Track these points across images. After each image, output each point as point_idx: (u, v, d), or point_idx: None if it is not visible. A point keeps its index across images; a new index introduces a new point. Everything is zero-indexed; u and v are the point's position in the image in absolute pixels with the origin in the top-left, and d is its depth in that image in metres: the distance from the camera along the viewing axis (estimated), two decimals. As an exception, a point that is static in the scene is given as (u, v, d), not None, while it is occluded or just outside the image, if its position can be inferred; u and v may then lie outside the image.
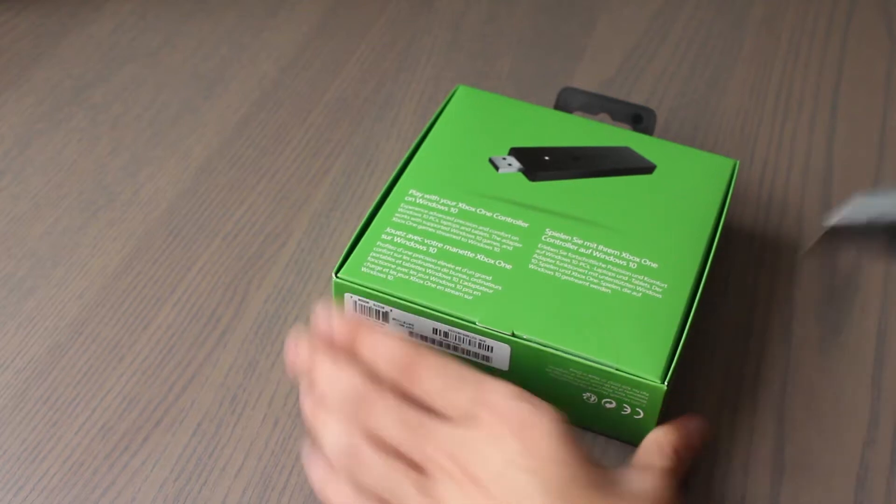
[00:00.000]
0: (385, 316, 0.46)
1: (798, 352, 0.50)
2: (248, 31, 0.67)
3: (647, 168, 0.51)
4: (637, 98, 0.63)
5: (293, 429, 0.46)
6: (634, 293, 0.46)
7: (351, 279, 0.45)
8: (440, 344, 0.46)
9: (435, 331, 0.45)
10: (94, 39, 0.65)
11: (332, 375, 0.39)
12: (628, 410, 0.44)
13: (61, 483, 0.44)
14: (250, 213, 0.55)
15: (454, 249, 0.47)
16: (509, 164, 0.50)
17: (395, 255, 0.46)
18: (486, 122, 0.53)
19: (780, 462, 0.46)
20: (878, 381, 0.49)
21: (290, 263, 0.53)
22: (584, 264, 0.46)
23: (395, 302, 0.45)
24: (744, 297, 0.52)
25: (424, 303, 0.45)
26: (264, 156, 0.58)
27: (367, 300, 0.46)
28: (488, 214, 0.48)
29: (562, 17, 0.69)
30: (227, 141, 0.59)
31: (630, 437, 0.46)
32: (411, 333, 0.46)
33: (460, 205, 0.49)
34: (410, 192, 0.49)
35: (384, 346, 0.39)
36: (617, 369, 0.43)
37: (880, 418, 0.48)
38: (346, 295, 0.46)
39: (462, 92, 0.54)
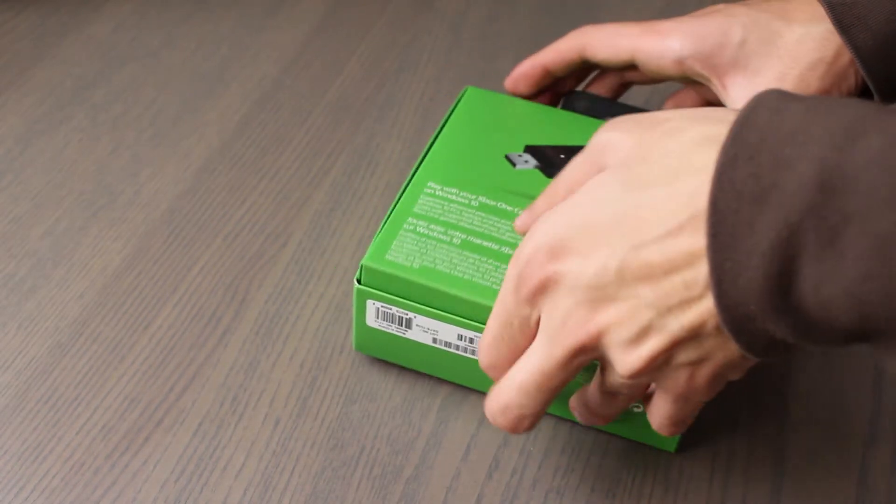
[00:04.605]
0: (409, 323, 0.45)
1: (798, 351, 0.50)
2: (248, 31, 0.67)
3: None
4: (637, 99, 0.63)
5: (294, 429, 0.46)
6: None
7: (377, 266, 0.45)
8: (465, 350, 0.45)
9: (460, 336, 0.45)
10: (94, 39, 0.65)
11: None
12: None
13: (62, 483, 0.44)
14: (251, 213, 0.55)
15: (478, 241, 0.46)
16: (525, 161, 0.50)
17: (419, 244, 0.46)
18: (497, 121, 0.52)
19: (780, 462, 0.46)
20: (879, 381, 0.49)
21: (291, 263, 0.53)
22: None
23: (419, 308, 0.45)
24: (744, 297, 0.52)
25: (452, 291, 0.44)
26: (265, 156, 0.58)
27: (390, 307, 0.45)
28: (509, 209, 0.48)
29: (562, 17, 0.69)
30: (227, 141, 0.59)
31: (632, 432, 0.46)
32: (435, 340, 0.46)
33: (480, 198, 0.48)
34: (429, 184, 0.48)
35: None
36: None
37: (881, 418, 0.48)
38: (369, 302, 0.45)
39: (471, 92, 0.54)
